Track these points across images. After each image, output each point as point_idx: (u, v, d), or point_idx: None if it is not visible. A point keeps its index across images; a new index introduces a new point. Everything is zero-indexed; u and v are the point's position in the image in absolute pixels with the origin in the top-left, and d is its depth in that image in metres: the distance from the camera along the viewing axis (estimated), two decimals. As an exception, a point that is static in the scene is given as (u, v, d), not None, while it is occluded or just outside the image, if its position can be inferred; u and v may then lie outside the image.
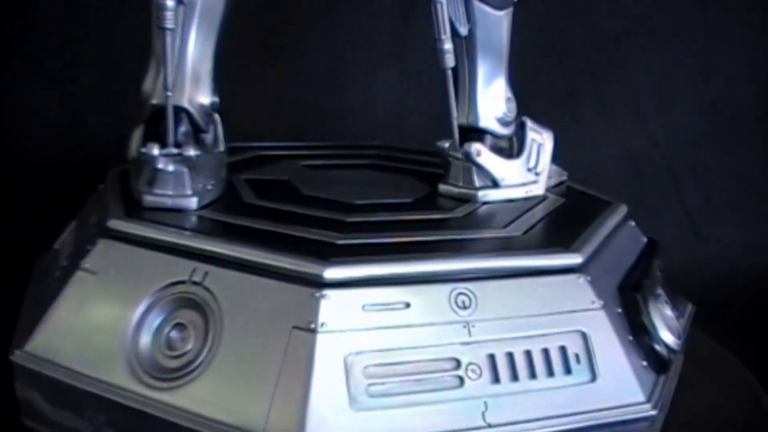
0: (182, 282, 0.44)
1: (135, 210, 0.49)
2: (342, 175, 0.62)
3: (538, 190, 0.56)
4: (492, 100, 0.55)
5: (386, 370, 0.41)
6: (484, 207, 0.54)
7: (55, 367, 0.44)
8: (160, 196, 0.49)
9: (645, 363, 0.46)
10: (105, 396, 0.42)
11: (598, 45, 0.98)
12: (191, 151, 0.48)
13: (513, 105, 0.56)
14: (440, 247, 0.46)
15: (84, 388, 0.43)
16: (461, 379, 0.41)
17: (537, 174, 0.56)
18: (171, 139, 0.48)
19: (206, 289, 0.43)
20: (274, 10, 0.90)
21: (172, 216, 0.48)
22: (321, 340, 0.40)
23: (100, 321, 0.45)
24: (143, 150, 0.48)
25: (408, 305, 0.42)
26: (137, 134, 0.51)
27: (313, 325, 0.40)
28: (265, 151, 0.67)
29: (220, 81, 0.52)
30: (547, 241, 0.49)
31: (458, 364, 0.41)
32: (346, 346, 0.40)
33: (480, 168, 0.54)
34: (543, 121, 0.58)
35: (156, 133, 0.48)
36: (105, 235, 0.47)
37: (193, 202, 0.49)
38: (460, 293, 0.43)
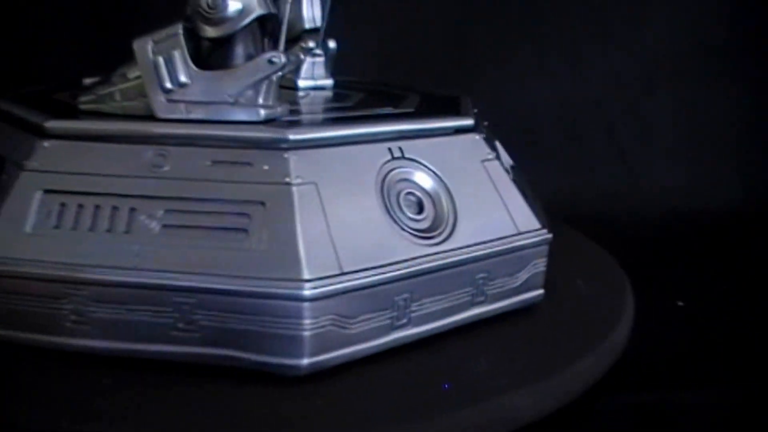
0: (389, 160, 0.50)
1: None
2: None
3: None
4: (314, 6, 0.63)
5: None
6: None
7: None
8: (273, 107, 0.50)
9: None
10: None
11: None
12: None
13: None
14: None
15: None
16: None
17: None
18: (283, 47, 0.50)
19: (410, 159, 0.51)
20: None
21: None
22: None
23: (351, 219, 0.47)
24: (273, 59, 0.48)
25: None
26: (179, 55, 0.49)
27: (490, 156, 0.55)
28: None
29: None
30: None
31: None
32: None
33: (328, 61, 0.64)
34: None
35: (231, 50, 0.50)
36: (293, 147, 0.47)
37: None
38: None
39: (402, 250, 0.48)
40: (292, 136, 0.47)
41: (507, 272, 0.53)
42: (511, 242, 0.53)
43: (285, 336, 0.44)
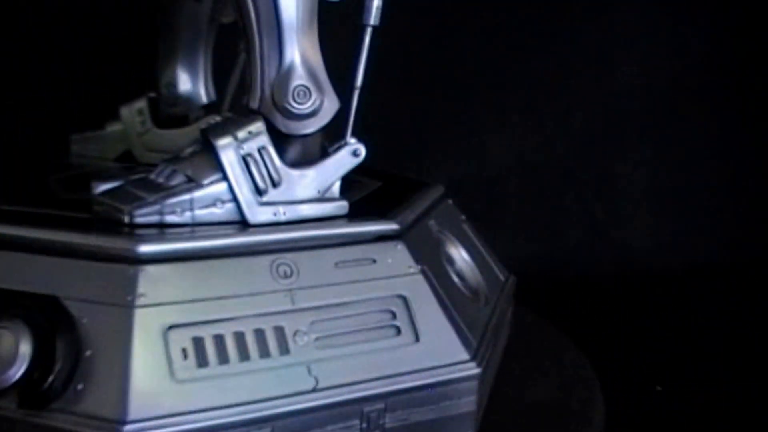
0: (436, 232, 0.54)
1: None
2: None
3: None
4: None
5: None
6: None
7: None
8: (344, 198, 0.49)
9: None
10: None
11: (491, 45, 0.90)
12: None
13: None
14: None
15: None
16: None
17: None
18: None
19: (440, 231, 0.54)
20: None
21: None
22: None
23: (453, 293, 0.49)
24: (357, 152, 0.48)
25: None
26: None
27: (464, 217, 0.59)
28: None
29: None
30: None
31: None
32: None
33: None
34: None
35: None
36: (398, 236, 0.48)
37: None
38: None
39: (480, 317, 0.52)
40: (397, 226, 0.48)
41: (505, 315, 0.61)
42: (505, 291, 0.60)
43: (458, 415, 0.46)
